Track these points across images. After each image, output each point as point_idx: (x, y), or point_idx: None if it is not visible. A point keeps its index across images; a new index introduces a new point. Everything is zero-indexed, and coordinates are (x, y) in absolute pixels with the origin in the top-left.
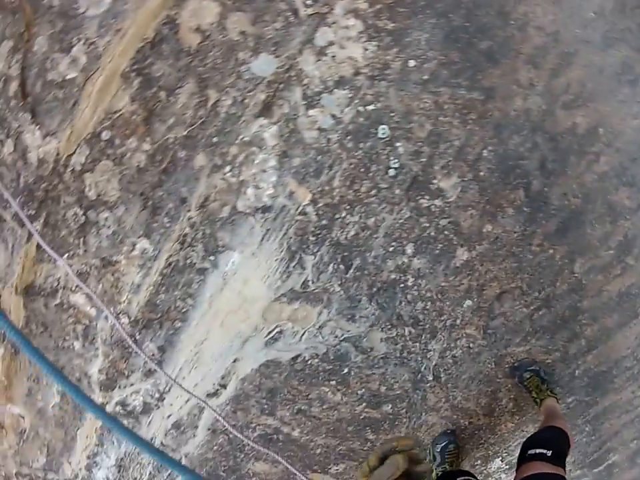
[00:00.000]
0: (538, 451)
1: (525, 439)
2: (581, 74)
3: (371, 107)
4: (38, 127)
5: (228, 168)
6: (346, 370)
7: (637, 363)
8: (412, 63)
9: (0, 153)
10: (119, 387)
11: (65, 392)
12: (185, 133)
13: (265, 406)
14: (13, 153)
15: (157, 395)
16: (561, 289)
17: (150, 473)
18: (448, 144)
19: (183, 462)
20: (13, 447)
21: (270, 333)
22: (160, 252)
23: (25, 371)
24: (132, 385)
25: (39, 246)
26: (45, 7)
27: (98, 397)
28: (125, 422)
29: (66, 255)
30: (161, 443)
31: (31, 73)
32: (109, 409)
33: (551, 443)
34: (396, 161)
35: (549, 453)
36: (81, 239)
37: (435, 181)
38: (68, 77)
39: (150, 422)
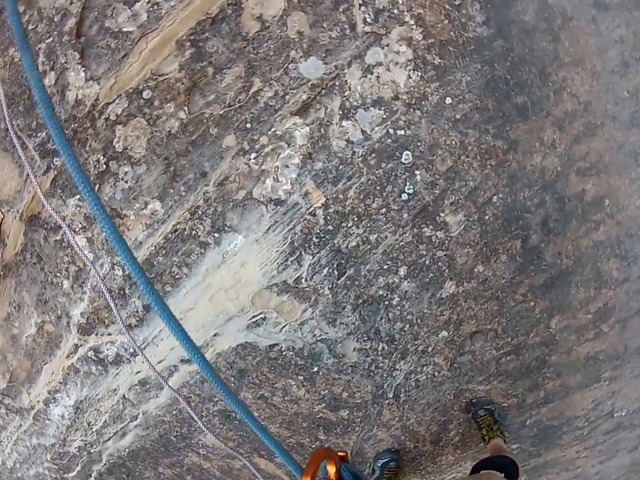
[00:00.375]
0: (493, 472)
1: (475, 462)
2: (601, 145)
3: (400, 132)
4: (84, 68)
5: (254, 155)
6: (315, 369)
7: (588, 425)
8: (449, 100)
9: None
10: (96, 334)
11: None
12: (222, 112)
13: (232, 384)
14: (53, 86)
15: (131, 350)
16: (534, 340)
17: (105, 422)
18: (463, 183)
19: (139, 419)
20: None
21: (254, 317)
22: (169, 217)
23: (7, 297)
24: (109, 334)
25: (54, 180)
26: None
27: (73, 339)
28: (93, 369)
29: (78, 197)
30: (123, 395)
31: (90, 15)
32: (81, 352)
33: (504, 468)
34: (411, 187)
35: (502, 475)
36: (97, 186)
37: (442, 214)
38: (124, 29)
39: (117, 374)
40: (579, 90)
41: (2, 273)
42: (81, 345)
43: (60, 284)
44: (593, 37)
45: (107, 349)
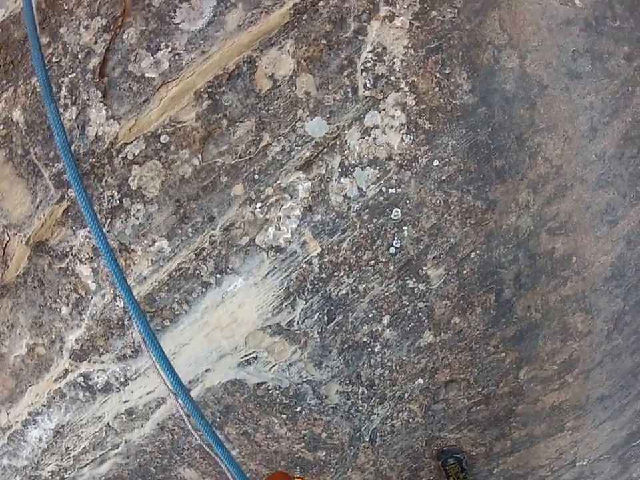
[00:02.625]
0: None
1: None
2: (570, 206)
3: (392, 190)
4: (105, 107)
5: (259, 204)
6: (299, 408)
7: (552, 474)
8: (436, 162)
9: (61, 115)
10: (89, 361)
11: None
12: (233, 162)
13: (218, 419)
14: (74, 120)
15: (122, 379)
16: (503, 390)
17: (84, 448)
18: (444, 239)
19: (121, 448)
20: None
21: (246, 355)
22: (175, 255)
23: (2, 315)
24: (102, 363)
25: (66, 210)
26: (144, 2)
27: (64, 364)
28: (80, 394)
29: (87, 229)
30: (108, 423)
31: (114, 57)
32: (70, 377)
33: None
34: (398, 241)
35: None
36: (109, 219)
37: (424, 268)
38: (147, 75)
39: (105, 401)
40: (552, 154)
41: (0, 293)
42: (71, 371)
43: (59, 309)
44: (566, 103)
45: (98, 377)
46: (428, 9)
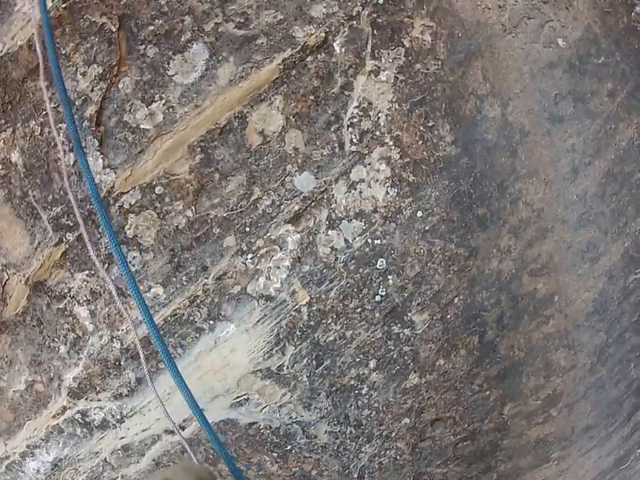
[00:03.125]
0: None
1: None
2: (551, 247)
3: (377, 241)
4: (102, 155)
5: (250, 255)
6: (289, 447)
7: None
8: (419, 213)
9: (58, 160)
10: (86, 399)
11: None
12: (225, 214)
13: (211, 456)
14: (71, 167)
15: (118, 417)
16: (488, 426)
17: None
18: (428, 286)
19: None
20: None
21: (238, 397)
22: (170, 302)
23: (1, 351)
24: (99, 400)
25: (65, 253)
26: (139, 52)
27: (62, 401)
28: (78, 431)
29: (86, 272)
30: (105, 459)
31: (110, 106)
32: (68, 413)
33: None
34: (384, 290)
35: None
36: (106, 265)
37: (409, 314)
38: (142, 127)
39: (102, 437)
40: (533, 198)
41: None
42: (69, 408)
43: (57, 348)
44: (547, 148)
45: (95, 414)
46: (412, 61)
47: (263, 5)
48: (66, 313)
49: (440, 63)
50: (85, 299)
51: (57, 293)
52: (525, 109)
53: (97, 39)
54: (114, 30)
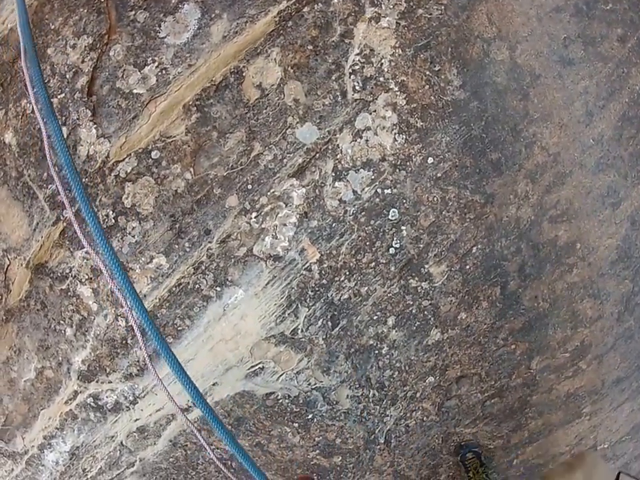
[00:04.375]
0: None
1: None
2: (570, 193)
3: (387, 191)
4: (95, 125)
5: (254, 214)
6: (310, 416)
7: None
8: (430, 160)
9: (52, 136)
10: (97, 382)
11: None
12: (225, 173)
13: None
14: (65, 140)
15: (130, 398)
16: (515, 382)
17: (100, 468)
18: (445, 236)
19: (136, 466)
20: None
21: (253, 367)
22: (174, 271)
23: (8, 340)
24: (110, 382)
25: (63, 232)
26: (129, 19)
27: (73, 385)
28: (92, 415)
29: (85, 250)
30: (121, 442)
31: (101, 75)
32: (80, 398)
33: None
34: (398, 242)
35: None
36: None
37: (426, 266)
38: (135, 92)
39: (116, 421)
40: (548, 142)
41: (4, 317)
42: (80, 392)
43: (63, 331)
44: (560, 91)
45: (107, 397)
46: (414, 7)
47: None
48: (69, 293)
49: (443, 7)
50: (86, 277)
51: (59, 274)
52: (534, 52)
53: (85, 10)
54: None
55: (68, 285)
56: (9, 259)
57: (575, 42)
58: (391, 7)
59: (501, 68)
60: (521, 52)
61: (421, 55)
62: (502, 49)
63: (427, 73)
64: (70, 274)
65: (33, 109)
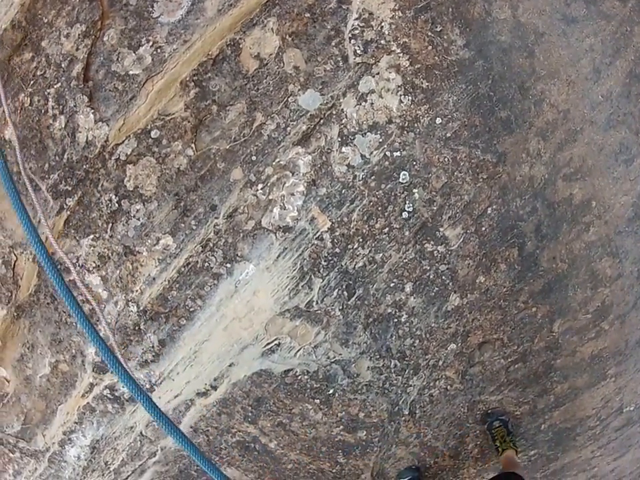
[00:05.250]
0: None
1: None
2: (583, 150)
3: (396, 154)
4: (92, 111)
5: (260, 186)
6: (331, 391)
7: (600, 423)
8: (438, 120)
9: (50, 126)
10: (112, 372)
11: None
12: (228, 147)
13: (250, 413)
14: (63, 129)
15: (147, 386)
16: (538, 346)
17: (122, 460)
18: (458, 197)
19: (158, 455)
20: None
21: (268, 344)
22: (181, 251)
23: (22, 337)
24: None
25: (67, 221)
26: (122, 3)
27: (88, 377)
28: (109, 407)
29: (92, 236)
30: (141, 432)
31: (96, 60)
32: (96, 390)
33: None
34: (410, 205)
35: None
36: (110, 224)
37: (441, 229)
38: (131, 73)
39: (134, 411)
40: (557, 100)
41: (15, 314)
42: (96, 384)
43: (74, 323)
44: (565, 48)
45: (123, 387)
46: None
47: None
48: (77, 283)
49: None
50: (94, 265)
51: (65, 265)
52: (537, 10)
53: (77, 0)
54: None
55: (75, 275)
56: (15, 254)
57: (576, 0)
58: None
59: (504, 26)
60: (523, 10)
61: (422, 17)
62: (504, 7)
63: (429, 33)
64: (77, 263)
65: (30, 101)
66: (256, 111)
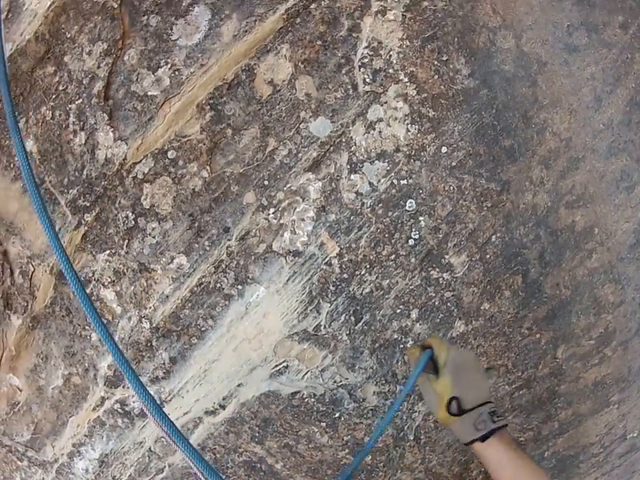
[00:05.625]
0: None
1: None
2: (584, 178)
3: (403, 182)
4: (112, 129)
5: (272, 210)
6: (337, 414)
7: (604, 450)
8: (444, 149)
9: (71, 141)
10: (123, 387)
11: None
12: (241, 170)
13: (257, 434)
14: (83, 145)
15: (157, 402)
16: (542, 372)
17: (130, 475)
18: (463, 225)
19: (166, 472)
20: (1, 415)
21: (277, 366)
22: (195, 271)
23: (36, 347)
24: None
25: (84, 236)
26: (142, 23)
27: (100, 391)
28: (120, 421)
29: (108, 252)
30: (149, 448)
31: (117, 79)
32: (107, 404)
33: None
34: (416, 232)
35: None
36: (126, 241)
37: (446, 256)
38: (149, 94)
39: (144, 426)
40: (559, 128)
41: (30, 325)
42: (107, 398)
43: (88, 337)
44: (567, 77)
45: (134, 402)
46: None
47: None
48: (92, 297)
49: None
50: (109, 280)
51: (82, 278)
52: (539, 40)
53: (99, 17)
54: (116, 6)
55: (91, 289)
56: (33, 265)
57: (578, 29)
58: (396, 0)
59: (508, 56)
60: (527, 40)
61: (429, 46)
62: (508, 37)
63: (436, 62)
64: (93, 277)
65: (52, 115)
66: (269, 136)
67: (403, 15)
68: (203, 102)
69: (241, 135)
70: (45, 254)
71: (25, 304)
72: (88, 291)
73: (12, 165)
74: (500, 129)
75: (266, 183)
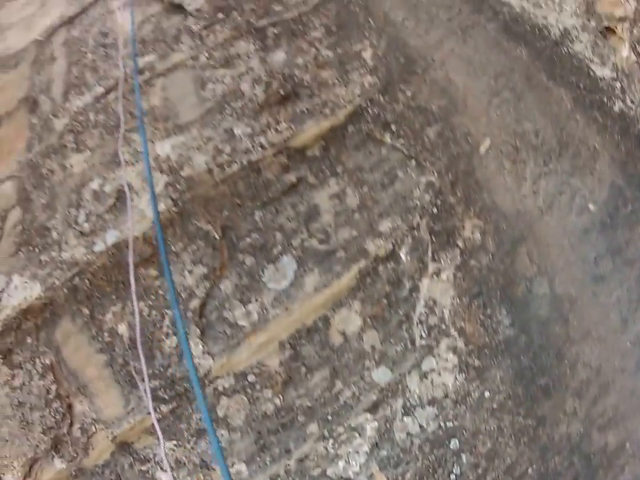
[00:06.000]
0: None
1: None
2: (615, 399)
3: (449, 424)
4: (202, 343)
5: (331, 441)
6: None
7: None
8: (487, 394)
9: (162, 341)
10: None
11: None
12: (309, 404)
13: None
14: (173, 348)
15: None
16: None
17: None
18: (501, 460)
19: None
20: None
21: None
22: (251, 479)
23: None
24: None
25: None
26: (239, 260)
27: None
28: None
29: (174, 442)
30: None
31: (212, 302)
32: None
33: None
34: (458, 468)
35: None
36: (194, 438)
37: None
38: (239, 323)
39: None
40: (590, 358)
41: (74, 474)
42: None
43: None
44: (595, 307)
45: None
46: (467, 259)
47: (340, 224)
48: (147, 476)
49: (491, 255)
50: (169, 466)
51: (142, 456)
52: (570, 279)
53: (202, 243)
54: (217, 238)
55: (149, 467)
56: (95, 427)
57: (604, 257)
58: (449, 261)
59: (543, 301)
60: (559, 282)
61: (475, 302)
62: (543, 283)
63: (481, 317)
64: (153, 459)
65: (148, 312)
66: (337, 379)
67: (454, 274)
68: (285, 340)
69: (313, 375)
70: (112, 423)
71: (75, 455)
72: (144, 468)
73: (101, 339)
74: (536, 370)
75: (329, 418)
